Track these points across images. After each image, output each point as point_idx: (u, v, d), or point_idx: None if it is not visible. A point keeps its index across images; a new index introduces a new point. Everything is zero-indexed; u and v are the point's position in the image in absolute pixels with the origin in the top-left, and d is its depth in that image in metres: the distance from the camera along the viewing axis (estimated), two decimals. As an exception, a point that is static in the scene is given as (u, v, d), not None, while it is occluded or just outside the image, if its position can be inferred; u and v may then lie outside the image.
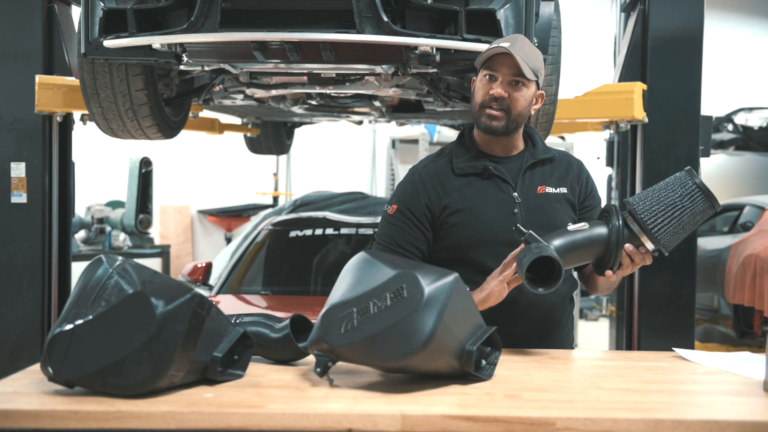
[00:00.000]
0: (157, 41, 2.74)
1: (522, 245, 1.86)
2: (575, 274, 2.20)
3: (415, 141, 8.81)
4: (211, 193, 10.13)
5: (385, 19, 2.59)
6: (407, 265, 1.64)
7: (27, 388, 1.52)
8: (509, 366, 1.79)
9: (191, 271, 4.48)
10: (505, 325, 1.73)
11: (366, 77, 3.39)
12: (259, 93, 3.84)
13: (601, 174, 6.82)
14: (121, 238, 8.02)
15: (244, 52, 2.87)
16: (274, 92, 3.78)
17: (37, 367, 1.59)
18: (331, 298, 1.63)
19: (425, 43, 2.67)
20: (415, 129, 8.78)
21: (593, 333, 8.11)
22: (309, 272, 4.33)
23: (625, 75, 4.04)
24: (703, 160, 4.02)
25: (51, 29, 4.00)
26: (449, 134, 8.39)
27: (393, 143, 9.46)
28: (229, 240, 9.71)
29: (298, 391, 1.55)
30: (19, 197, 3.97)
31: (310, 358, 1.69)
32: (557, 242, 1.85)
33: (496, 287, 1.89)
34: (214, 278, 4.48)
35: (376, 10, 2.59)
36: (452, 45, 2.66)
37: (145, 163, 7.78)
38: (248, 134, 6.38)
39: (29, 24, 3.95)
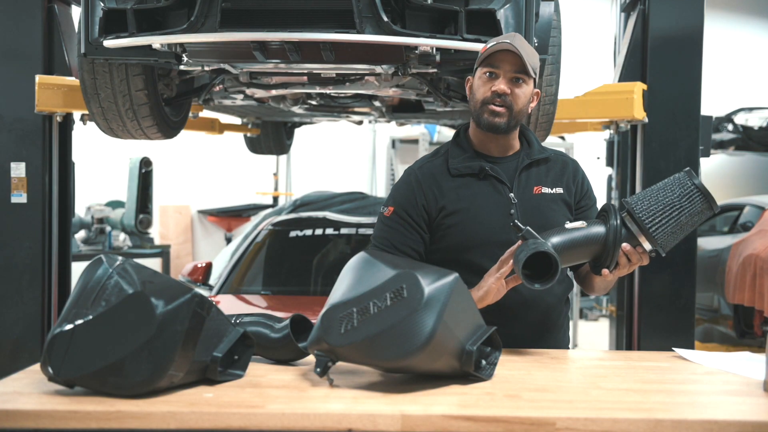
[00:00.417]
0: (157, 41, 2.74)
1: (519, 242, 1.86)
2: (571, 274, 2.20)
3: (415, 141, 8.82)
4: (211, 193, 10.13)
5: (385, 19, 2.59)
6: (407, 265, 1.64)
7: (27, 388, 1.52)
8: (509, 366, 1.79)
9: (191, 271, 4.48)
10: (501, 326, 1.72)
11: (366, 77, 3.39)
12: (259, 93, 3.84)
13: (601, 174, 6.82)
14: (121, 238, 8.02)
15: (244, 52, 2.87)
16: (274, 92, 3.78)
17: (37, 367, 1.59)
18: (331, 298, 1.63)
19: (425, 43, 2.66)
20: (415, 129, 8.79)
21: (593, 333, 8.11)
22: (309, 272, 4.33)
23: (625, 75, 4.04)
24: (703, 160, 4.02)
25: (51, 29, 4.01)
26: (449, 134, 8.39)
27: (393, 143, 9.46)
28: (229, 240, 9.71)
29: (298, 391, 1.55)
30: (19, 197, 3.97)
31: (310, 358, 1.69)
32: (555, 239, 1.85)
33: (493, 284, 1.89)
34: (214, 278, 4.48)
35: (376, 10, 2.59)
36: (452, 45, 2.66)
37: (145, 163, 7.78)
38: (248, 134, 6.38)
39: (29, 24, 3.95)
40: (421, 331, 1.50)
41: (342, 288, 1.64)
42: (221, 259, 6.34)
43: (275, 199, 10.14)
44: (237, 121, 6.10)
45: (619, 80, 4.06)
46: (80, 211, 7.72)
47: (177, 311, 1.49)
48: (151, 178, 7.90)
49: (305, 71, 3.27)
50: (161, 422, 1.38)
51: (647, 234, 1.85)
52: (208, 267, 4.53)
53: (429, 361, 1.54)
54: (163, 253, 8.17)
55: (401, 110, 4.68)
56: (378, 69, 3.06)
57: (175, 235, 9.92)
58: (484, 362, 1.67)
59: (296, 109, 4.36)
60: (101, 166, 9.05)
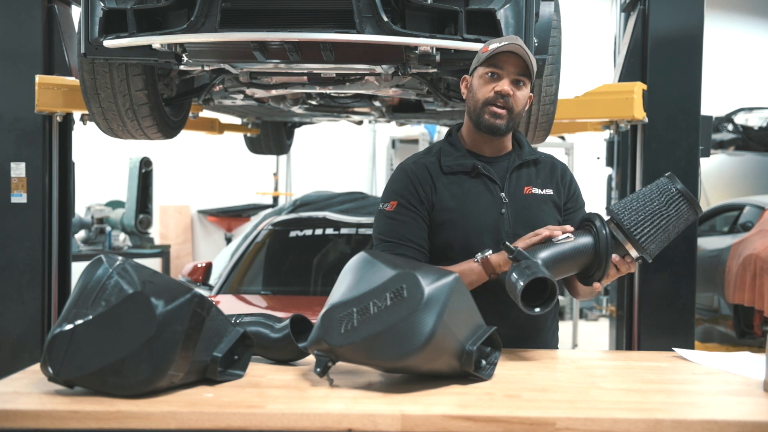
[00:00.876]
0: (157, 41, 2.74)
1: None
2: None
3: (415, 141, 8.82)
4: (211, 193, 10.13)
5: (385, 19, 2.59)
6: (407, 265, 1.64)
7: (27, 388, 1.52)
8: (509, 366, 1.79)
9: (191, 271, 4.48)
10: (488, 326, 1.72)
11: (366, 77, 3.39)
12: (259, 93, 3.84)
13: (601, 174, 6.82)
14: (121, 238, 8.02)
15: (244, 52, 2.87)
16: (274, 92, 3.78)
17: (37, 367, 1.59)
18: (331, 298, 1.63)
19: (425, 43, 2.67)
20: (415, 129, 8.79)
21: (593, 333, 8.11)
22: (309, 272, 4.33)
23: (625, 75, 4.04)
24: (703, 160, 4.02)
25: (51, 29, 4.01)
26: (449, 134, 8.37)
27: (393, 143, 9.46)
28: (229, 240, 9.71)
29: (298, 391, 1.55)
30: (19, 197, 3.97)
31: (310, 358, 1.69)
32: (544, 254, 1.83)
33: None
34: (214, 278, 4.48)
35: (376, 10, 2.59)
36: (452, 45, 2.66)
37: (145, 163, 7.78)
38: (248, 134, 6.38)
39: (29, 24, 3.95)
40: (421, 331, 1.50)
41: (342, 288, 1.64)
42: (221, 259, 6.34)
43: (275, 199, 10.14)
44: (237, 121, 6.10)
45: (619, 80, 4.06)
46: (80, 211, 7.72)
47: (177, 311, 1.49)
48: (151, 178, 7.90)
49: (305, 71, 3.27)
50: (161, 422, 1.39)
51: (635, 243, 1.85)
52: (208, 267, 4.52)
53: (429, 361, 1.54)
54: (163, 253, 8.17)
55: (401, 110, 4.68)
56: (378, 69, 3.06)
57: (175, 235, 9.92)
58: (484, 362, 1.67)
59: (296, 109, 4.36)
60: (101, 166, 9.04)
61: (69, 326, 1.47)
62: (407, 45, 2.71)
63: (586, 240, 1.86)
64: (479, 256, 1.92)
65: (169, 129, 3.61)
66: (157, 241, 9.29)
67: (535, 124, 3.34)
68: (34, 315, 3.98)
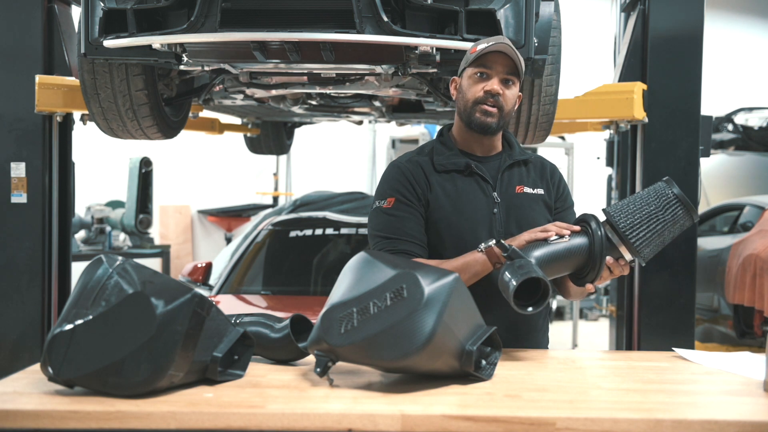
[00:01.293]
0: (157, 41, 2.74)
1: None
2: None
3: (415, 141, 8.81)
4: (211, 193, 10.13)
5: (385, 19, 2.60)
6: (407, 265, 1.64)
7: (27, 388, 1.52)
8: (509, 366, 1.79)
9: (191, 271, 4.48)
10: None
11: (366, 77, 3.39)
12: (259, 93, 3.84)
13: (601, 174, 6.82)
14: (121, 238, 8.02)
15: (244, 52, 2.87)
16: (274, 92, 3.78)
17: (37, 367, 1.59)
18: (331, 298, 1.63)
19: (425, 43, 2.67)
20: (415, 129, 8.78)
21: (593, 333, 8.11)
22: (309, 272, 4.33)
23: (625, 75, 4.04)
24: (703, 160, 4.02)
25: (51, 29, 4.01)
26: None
27: (393, 143, 9.46)
28: (229, 240, 9.71)
29: (298, 391, 1.55)
30: (19, 197, 3.97)
31: (310, 358, 1.69)
32: (537, 253, 1.82)
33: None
34: (214, 278, 4.48)
35: (376, 10, 2.59)
36: (452, 45, 2.66)
37: (145, 163, 7.78)
38: (248, 134, 6.38)
39: (29, 24, 3.95)
40: (421, 331, 1.50)
41: (342, 288, 1.64)
42: (221, 259, 6.34)
43: (275, 199, 10.14)
44: (237, 121, 6.10)
45: (619, 80, 4.06)
46: (80, 211, 7.71)
47: (177, 311, 1.49)
48: (151, 178, 7.90)
49: (305, 71, 3.27)
50: (161, 422, 1.38)
51: (629, 246, 1.84)
52: (208, 267, 4.53)
53: (429, 361, 1.54)
54: (163, 253, 8.17)
55: (401, 110, 4.68)
56: (378, 69, 3.06)
57: (175, 235, 9.92)
58: (484, 362, 1.67)
59: (296, 109, 4.36)
60: (101, 166, 9.04)
61: (69, 326, 1.47)
62: (407, 45, 2.71)
63: (580, 241, 1.85)
64: (483, 245, 1.92)
65: (169, 129, 3.61)
66: (157, 241, 9.29)
67: (535, 124, 3.34)
68: (34, 315, 3.98)
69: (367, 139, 10.11)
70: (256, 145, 6.62)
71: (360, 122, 5.91)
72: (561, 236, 1.86)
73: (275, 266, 4.43)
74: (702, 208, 6.69)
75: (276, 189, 10.14)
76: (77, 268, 2.75)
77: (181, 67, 3.11)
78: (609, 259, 1.86)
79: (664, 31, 3.96)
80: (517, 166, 2.13)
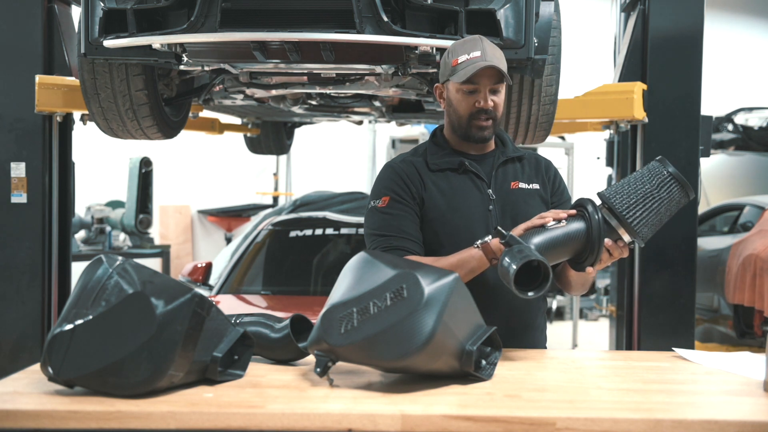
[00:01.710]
0: (157, 41, 2.74)
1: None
2: None
3: (415, 141, 8.81)
4: (211, 193, 10.13)
5: (385, 19, 2.60)
6: (407, 265, 1.64)
7: (27, 388, 1.52)
8: (509, 366, 1.79)
9: (191, 271, 4.48)
10: None
11: (366, 77, 3.39)
12: (259, 93, 3.84)
13: (601, 174, 6.82)
14: (121, 238, 8.02)
15: (244, 52, 2.87)
16: (274, 92, 3.78)
17: (37, 367, 1.59)
18: (331, 298, 1.63)
19: (425, 43, 2.67)
20: (415, 129, 8.78)
21: (593, 333, 8.11)
22: (309, 272, 4.33)
23: (625, 75, 4.04)
24: (703, 160, 4.02)
25: (51, 29, 4.01)
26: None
27: (393, 143, 9.45)
28: (229, 240, 9.71)
29: (298, 391, 1.55)
30: (19, 197, 3.97)
31: (310, 358, 1.69)
32: (536, 240, 1.81)
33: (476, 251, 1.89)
34: (214, 278, 4.48)
35: (376, 10, 2.59)
36: (452, 45, 2.66)
37: (145, 163, 7.78)
38: (248, 134, 6.38)
39: (29, 24, 3.95)
40: (421, 331, 1.50)
41: (342, 288, 1.64)
42: (221, 259, 6.34)
43: (275, 199, 10.14)
44: (237, 121, 6.10)
45: (619, 80, 4.06)
46: (80, 211, 7.71)
47: (177, 311, 1.49)
48: (151, 178, 7.90)
49: (305, 71, 3.27)
50: (161, 422, 1.39)
51: (627, 227, 1.84)
52: (208, 267, 4.53)
53: (429, 361, 1.54)
54: (163, 253, 8.17)
55: (401, 110, 4.68)
56: (378, 69, 3.06)
57: (175, 235, 9.91)
58: (484, 362, 1.67)
59: (296, 109, 4.36)
60: (101, 166, 9.04)
61: (69, 326, 1.47)
62: (407, 45, 2.71)
63: (578, 225, 1.85)
64: (479, 242, 1.92)
65: (169, 129, 3.61)
66: (157, 241, 9.29)
67: (535, 124, 3.34)
68: (34, 315, 3.98)
69: (367, 139, 10.11)
70: (256, 145, 6.62)
71: (360, 122, 5.91)
72: (558, 221, 1.85)
73: (275, 266, 4.43)
74: (702, 208, 6.69)
75: (276, 189, 10.14)
76: (77, 268, 2.75)
77: (181, 67, 3.11)
78: (608, 241, 1.85)
79: (664, 31, 3.96)
80: (512, 163, 2.14)
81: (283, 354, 1.79)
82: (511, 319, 2.05)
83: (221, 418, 1.39)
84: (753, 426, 1.38)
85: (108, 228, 7.70)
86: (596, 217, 1.83)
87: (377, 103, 4.32)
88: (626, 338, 4.13)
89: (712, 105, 5.43)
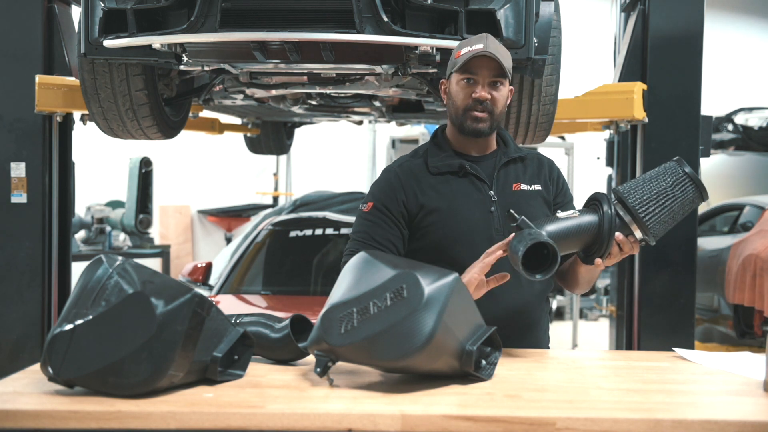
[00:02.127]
0: (157, 41, 2.74)
1: (508, 237, 1.85)
2: None
3: (415, 141, 8.81)
4: (211, 193, 10.13)
5: (385, 19, 2.60)
6: (407, 265, 1.64)
7: (27, 388, 1.52)
8: (509, 366, 1.79)
9: (191, 271, 4.48)
10: None
11: (366, 77, 3.39)
12: (259, 93, 3.84)
13: (601, 174, 6.82)
14: (121, 238, 8.02)
15: (244, 52, 2.87)
16: (274, 92, 3.78)
17: (37, 367, 1.59)
18: (331, 298, 1.63)
19: (425, 43, 2.67)
20: (415, 129, 8.78)
21: (593, 333, 8.11)
22: (309, 272, 4.33)
23: (625, 75, 4.04)
24: (703, 160, 4.02)
25: (51, 29, 4.01)
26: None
27: (393, 143, 9.46)
28: (229, 240, 9.71)
29: (298, 391, 1.55)
30: (19, 197, 3.97)
31: (310, 358, 1.69)
32: (550, 228, 1.83)
33: (475, 275, 1.87)
34: (214, 278, 4.48)
35: (376, 10, 2.59)
36: (452, 45, 2.65)
37: (145, 163, 7.78)
38: (248, 134, 6.38)
39: (29, 24, 3.95)
40: (421, 331, 1.50)
41: (342, 288, 1.64)
42: (221, 259, 6.34)
43: (275, 199, 10.14)
44: (237, 121, 6.10)
45: (619, 80, 4.06)
46: (80, 211, 7.72)
47: (177, 311, 1.49)
48: (151, 178, 7.90)
49: (305, 71, 3.27)
50: (161, 422, 1.38)
51: (640, 223, 1.85)
52: (208, 267, 4.53)
53: (429, 361, 1.54)
54: (163, 253, 8.17)
55: (401, 110, 4.68)
56: (378, 69, 3.06)
57: (175, 235, 9.92)
58: (484, 362, 1.67)
59: (296, 109, 4.36)
60: (101, 166, 9.04)
61: (69, 326, 1.47)
62: (407, 45, 2.71)
63: (591, 217, 1.87)
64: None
65: (169, 129, 3.61)
66: (157, 241, 9.30)
67: (535, 124, 3.34)
68: (34, 315, 3.98)
69: (367, 139, 10.11)
70: (256, 145, 6.62)
71: (360, 122, 5.91)
72: (572, 212, 1.88)
73: (275, 266, 4.43)
74: (702, 208, 6.69)
75: (276, 189, 10.14)
76: (77, 268, 2.75)
77: (181, 67, 3.11)
78: (619, 235, 1.86)
79: (664, 31, 3.95)
80: (513, 164, 2.13)
81: (283, 354, 1.79)
82: (515, 319, 2.05)
83: (221, 418, 1.39)
84: (753, 426, 1.38)
85: (108, 228, 7.70)
86: (609, 210, 1.85)
87: (377, 103, 4.32)
88: (626, 338, 4.13)
89: (712, 105, 5.44)
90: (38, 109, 3.90)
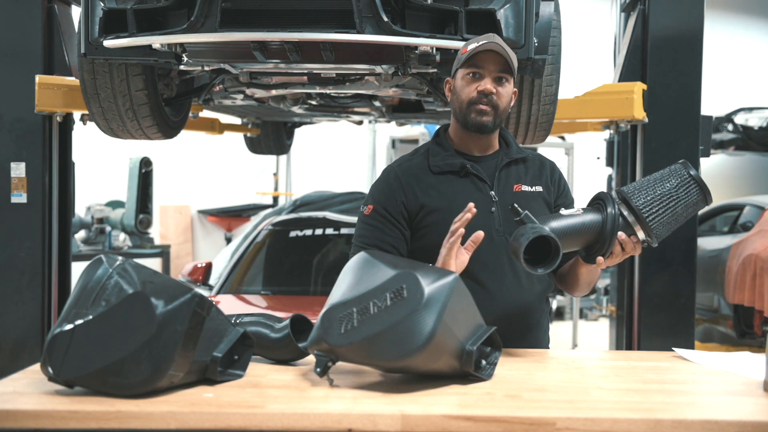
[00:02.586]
0: (157, 41, 2.74)
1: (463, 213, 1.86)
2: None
3: (415, 141, 8.81)
4: (211, 193, 10.13)
5: (385, 19, 2.60)
6: (407, 265, 1.64)
7: (27, 388, 1.52)
8: (509, 366, 1.79)
9: (191, 271, 4.48)
10: None
11: (366, 77, 3.39)
12: (259, 93, 3.84)
13: (601, 174, 6.82)
14: (121, 238, 8.02)
15: (244, 52, 2.87)
16: (274, 92, 3.78)
17: (37, 367, 1.59)
18: (331, 298, 1.63)
19: (425, 43, 2.67)
20: (415, 129, 8.78)
21: (593, 333, 8.11)
22: (309, 272, 4.33)
23: (625, 75, 4.04)
24: (703, 160, 4.02)
25: (51, 29, 4.01)
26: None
27: (393, 143, 9.46)
28: (229, 240, 9.71)
29: (298, 391, 1.55)
30: (19, 197, 3.97)
31: (310, 358, 1.69)
32: (553, 224, 1.84)
33: (445, 255, 1.88)
34: (214, 278, 4.48)
35: (376, 10, 2.59)
36: (452, 45, 2.66)
37: (145, 163, 7.78)
38: (248, 134, 6.38)
39: (29, 24, 3.95)
40: (421, 331, 1.50)
41: (342, 288, 1.64)
42: (221, 259, 6.34)
43: (275, 199, 10.14)
44: (237, 121, 6.10)
45: (619, 80, 4.06)
46: (80, 211, 7.71)
47: (177, 311, 1.49)
48: (151, 178, 7.90)
49: (305, 71, 3.27)
50: (161, 422, 1.38)
51: (643, 223, 1.85)
52: (208, 267, 4.53)
53: (429, 361, 1.54)
54: (163, 253, 8.17)
55: (401, 110, 4.68)
56: (378, 69, 3.06)
57: (175, 235, 9.92)
58: (484, 362, 1.67)
59: (296, 109, 4.36)
60: (101, 166, 9.05)
61: (69, 326, 1.47)
62: (407, 45, 2.71)
63: (594, 216, 1.87)
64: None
65: (169, 129, 3.61)
66: (157, 241, 9.30)
67: (535, 124, 3.34)
68: (34, 315, 3.98)
69: (367, 139, 10.11)
70: (256, 145, 6.62)
71: (360, 122, 5.91)
72: (576, 209, 1.89)
73: (275, 266, 4.43)
74: (702, 208, 6.69)
75: (276, 189, 10.14)
76: (77, 268, 2.75)
77: (181, 67, 3.11)
78: (621, 235, 1.86)
79: (664, 31, 3.95)
80: (515, 165, 2.13)
81: (283, 354, 1.79)
82: (515, 319, 2.05)
83: (221, 418, 1.39)
84: (753, 426, 1.38)
85: (108, 228, 7.70)
86: (613, 210, 1.85)
87: (377, 103, 4.32)
88: (626, 338, 4.13)
89: (712, 105, 5.44)
90: (38, 109, 3.90)
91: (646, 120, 3.91)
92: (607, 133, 5.32)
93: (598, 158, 7.12)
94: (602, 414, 1.41)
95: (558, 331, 7.82)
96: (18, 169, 3.97)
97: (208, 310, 1.55)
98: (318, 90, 3.66)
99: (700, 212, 6.41)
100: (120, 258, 1.56)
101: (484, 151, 2.13)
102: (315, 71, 3.24)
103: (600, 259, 1.88)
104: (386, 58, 2.93)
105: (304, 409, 1.42)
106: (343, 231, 4.44)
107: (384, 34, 2.63)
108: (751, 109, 9.69)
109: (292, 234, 4.53)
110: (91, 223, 7.73)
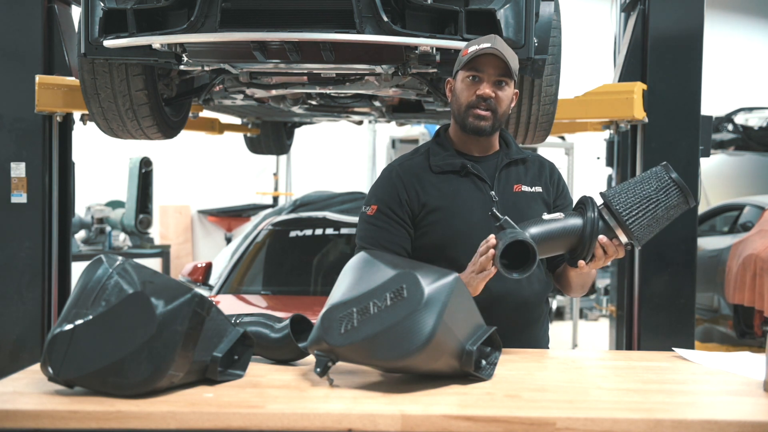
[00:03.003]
0: (157, 41, 2.74)
1: (490, 238, 1.86)
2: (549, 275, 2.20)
3: (415, 141, 8.81)
4: (211, 193, 10.13)
5: (385, 19, 2.60)
6: (407, 265, 1.64)
7: (27, 388, 1.52)
8: (509, 366, 1.79)
9: (191, 271, 4.48)
10: None
11: (366, 77, 3.39)
12: (259, 93, 3.84)
13: (601, 174, 6.82)
14: (121, 238, 8.02)
15: (244, 52, 2.87)
16: (274, 92, 3.78)
17: (37, 367, 1.59)
18: (331, 298, 1.63)
19: (425, 43, 2.67)
20: (415, 129, 8.78)
21: (593, 333, 8.11)
22: (309, 272, 4.33)
23: (625, 75, 4.04)
24: (703, 160, 4.02)
25: (51, 29, 4.01)
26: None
27: (393, 143, 9.46)
28: (229, 240, 9.71)
29: (298, 391, 1.55)
30: (19, 197, 3.97)
31: (310, 358, 1.69)
32: (533, 230, 1.85)
33: (464, 279, 1.87)
34: (214, 278, 4.48)
35: (376, 10, 2.59)
36: (452, 45, 2.66)
37: (145, 163, 7.78)
38: (248, 134, 6.38)
39: (29, 24, 3.95)
40: (421, 331, 1.50)
41: (342, 288, 1.64)
42: (221, 259, 6.34)
43: (275, 199, 10.14)
44: (237, 121, 6.10)
45: (619, 80, 4.06)
46: (80, 211, 7.71)
47: (177, 311, 1.49)
48: (151, 178, 7.90)
49: (305, 71, 3.27)
50: (161, 422, 1.38)
51: (624, 226, 1.86)
52: (208, 267, 4.53)
53: (429, 361, 1.54)
54: (163, 253, 8.17)
55: (401, 110, 4.68)
56: (378, 69, 3.06)
57: (175, 235, 9.92)
58: (484, 362, 1.67)
59: (296, 109, 4.37)
60: (101, 166, 9.04)
61: (69, 326, 1.47)
62: (407, 45, 2.71)
63: (575, 220, 1.88)
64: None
65: (169, 129, 3.61)
66: (157, 241, 9.30)
67: (535, 124, 3.35)
68: (34, 315, 3.98)
69: (367, 139, 10.11)
70: (256, 145, 6.62)
71: (360, 122, 5.91)
72: (557, 214, 1.89)
73: (275, 266, 4.43)
74: (702, 208, 6.69)
75: (276, 189, 10.14)
76: (77, 268, 2.75)
77: (181, 67, 3.11)
78: (603, 238, 1.87)
79: (664, 31, 3.96)
80: (515, 165, 2.13)
81: (283, 354, 1.79)
82: (515, 319, 2.05)
83: (221, 418, 1.39)
84: (753, 426, 1.38)
85: (108, 228, 7.70)
86: (593, 214, 1.86)
87: (377, 103, 4.32)
88: (626, 338, 4.13)
89: (712, 105, 5.44)
90: (38, 109, 3.90)
91: (646, 120, 3.91)
92: (607, 133, 5.32)
93: (598, 158, 7.12)
94: (602, 414, 1.41)
95: (558, 331, 7.82)
96: (18, 169, 3.97)
97: (208, 310, 1.55)
98: (318, 90, 3.67)
99: (700, 212, 6.42)
100: (120, 258, 1.56)
101: (484, 151, 2.13)
102: (315, 71, 3.24)
103: (581, 262, 1.88)
104: (386, 58, 2.94)
105: (304, 409, 1.42)
106: (343, 231, 4.44)
107: (384, 34, 2.63)
108: (751, 109, 9.69)
109: (292, 234, 4.53)
110: (91, 223, 7.73)
